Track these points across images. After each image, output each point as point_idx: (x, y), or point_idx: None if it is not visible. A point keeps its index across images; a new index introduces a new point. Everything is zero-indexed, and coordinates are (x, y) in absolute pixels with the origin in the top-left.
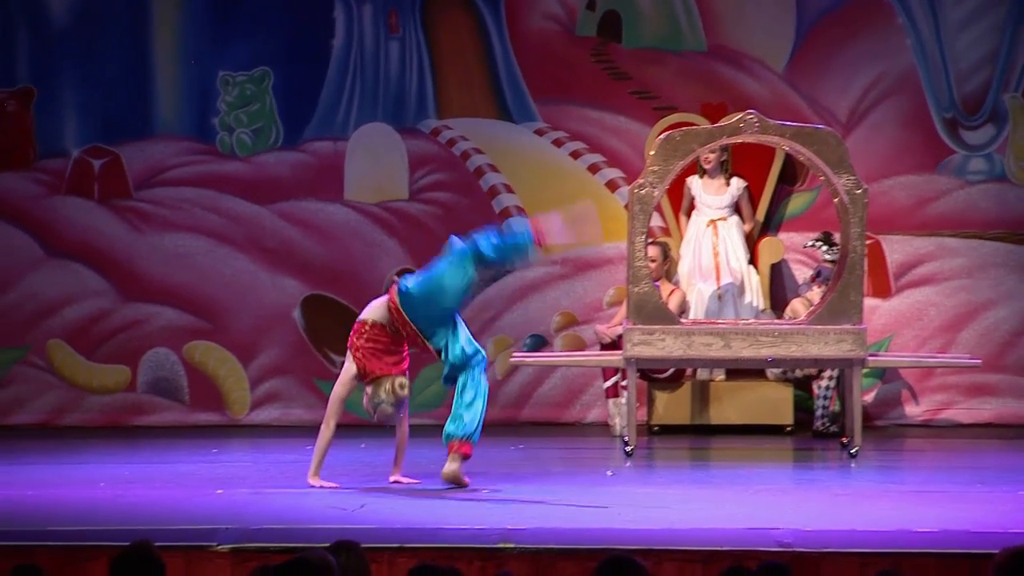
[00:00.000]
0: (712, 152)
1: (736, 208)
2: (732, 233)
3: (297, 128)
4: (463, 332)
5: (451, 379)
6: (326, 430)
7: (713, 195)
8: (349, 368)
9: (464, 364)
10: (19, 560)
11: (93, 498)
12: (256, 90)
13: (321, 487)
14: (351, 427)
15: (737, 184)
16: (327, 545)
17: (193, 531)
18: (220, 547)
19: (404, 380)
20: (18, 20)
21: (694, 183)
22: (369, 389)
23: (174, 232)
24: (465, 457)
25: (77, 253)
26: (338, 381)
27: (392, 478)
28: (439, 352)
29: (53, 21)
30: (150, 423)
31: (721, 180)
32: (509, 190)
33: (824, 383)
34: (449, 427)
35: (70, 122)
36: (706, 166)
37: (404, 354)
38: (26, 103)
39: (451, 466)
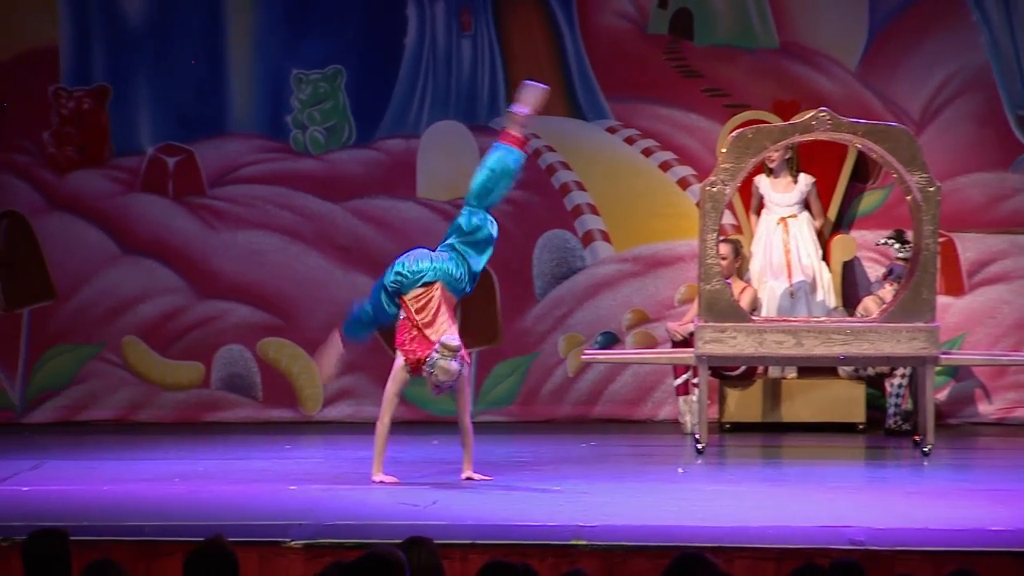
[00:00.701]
0: (777, 151)
1: (805, 205)
2: (803, 230)
3: (370, 126)
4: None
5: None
6: (381, 427)
7: (781, 193)
8: (397, 362)
9: None
10: (95, 555)
11: (167, 494)
12: (329, 88)
13: (382, 482)
14: (423, 424)
15: (805, 181)
16: (399, 541)
17: (266, 527)
18: (293, 543)
19: (448, 346)
20: (94, 20)
21: (762, 182)
22: (427, 372)
23: (247, 229)
24: None
25: (151, 250)
26: (390, 378)
27: (464, 475)
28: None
29: (128, 20)
30: (223, 419)
31: (788, 178)
32: (581, 188)
33: (897, 381)
34: None
35: (145, 120)
36: (771, 165)
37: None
38: (102, 101)
39: None
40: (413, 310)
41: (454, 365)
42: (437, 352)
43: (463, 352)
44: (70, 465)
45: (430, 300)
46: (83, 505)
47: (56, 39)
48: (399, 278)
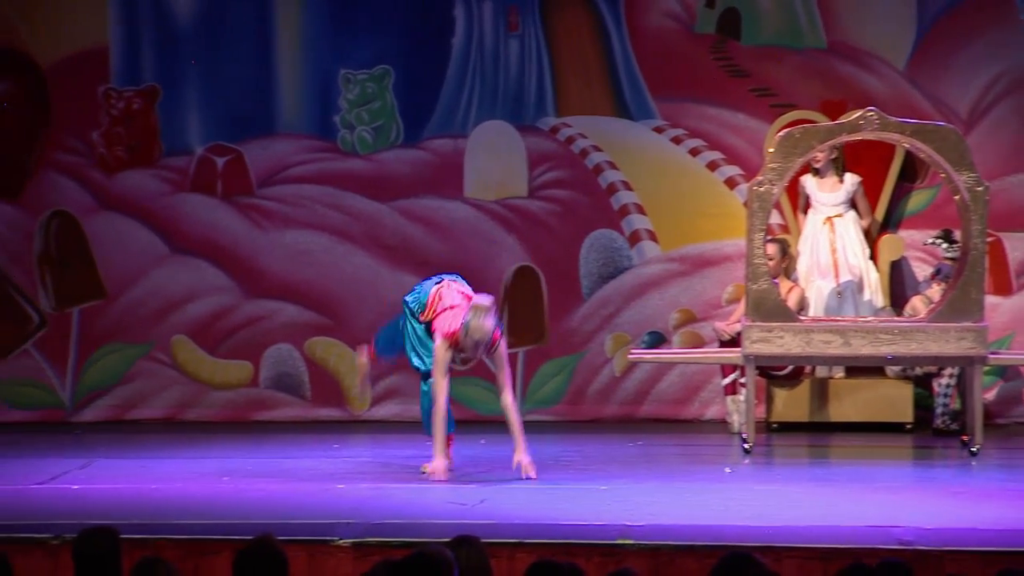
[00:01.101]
0: (821, 151)
1: (852, 204)
2: (849, 230)
3: (417, 126)
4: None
5: None
6: (438, 411)
7: (828, 193)
8: (437, 343)
9: None
10: (144, 554)
11: (216, 492)
12: (377, 88)
13: (432, 473)
14: (470, 423)
15: (851, 180)
16: (447, 540)
17: (315, 526)
18: (341, 541)
19: (479, 306)
20: (144, 20)
21: (808, 182)
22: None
23: (295, 229)
24: None
25: (200, 250)
26: (433, 365)
27: (516, 459)
28: None
29: (178, 21)
30: (272, 418)
31: (834, 178)
32: (628, 187)
33: (944, 381)
34: None
35: (194, 120)
36: (816, 165)
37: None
38: (151, 102)
39: None
40: (436, 306)
41: (489, 322)
42: (470, 313)
43: (495, 312)
44: (119, 464)
45: (443, 292)
46: (132, 503)
47: (106, 40)
48: (413, 306)
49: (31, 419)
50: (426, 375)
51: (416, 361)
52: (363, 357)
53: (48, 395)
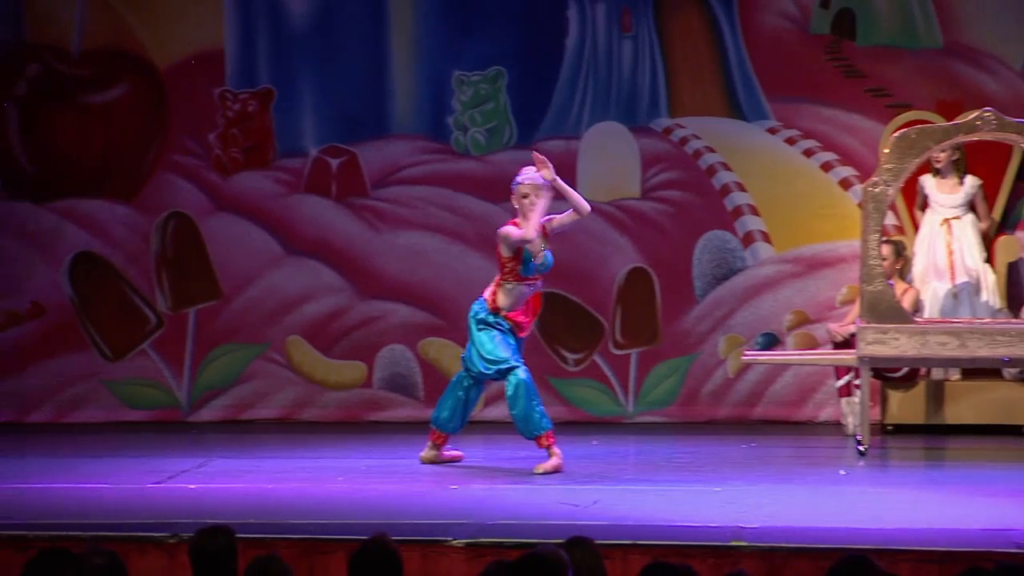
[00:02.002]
0: (943, 151)
1: (971, 206)
2: (967, 232)
3: (530, 127)
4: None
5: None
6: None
7: (946, 194)
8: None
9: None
10: (260, 553)
11: (331, 492)
12: (490, 89)
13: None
14: (582, 424)
15: (971, 183)
16: (561, 541)
17: (428, 526)
18: (455, 542)
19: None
20: (259, 23)
21: (927, 182)
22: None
23: (409, 230)
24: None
25: (315, 251)
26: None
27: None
28: None
29: (293, 24)
30: (385, 419)
31: (954, 179)
32: (741, 188)
33: None
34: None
35: (308, 122)
36: (937, 165)
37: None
38: (266, 104)
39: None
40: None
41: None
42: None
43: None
44: (235, 463)
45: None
46: (248, 503)
47: (222, 42)
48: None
49: (148, 419)
50: (506, 371)
51: (491, 369)
52: (429, 452)
53: (165, 395)
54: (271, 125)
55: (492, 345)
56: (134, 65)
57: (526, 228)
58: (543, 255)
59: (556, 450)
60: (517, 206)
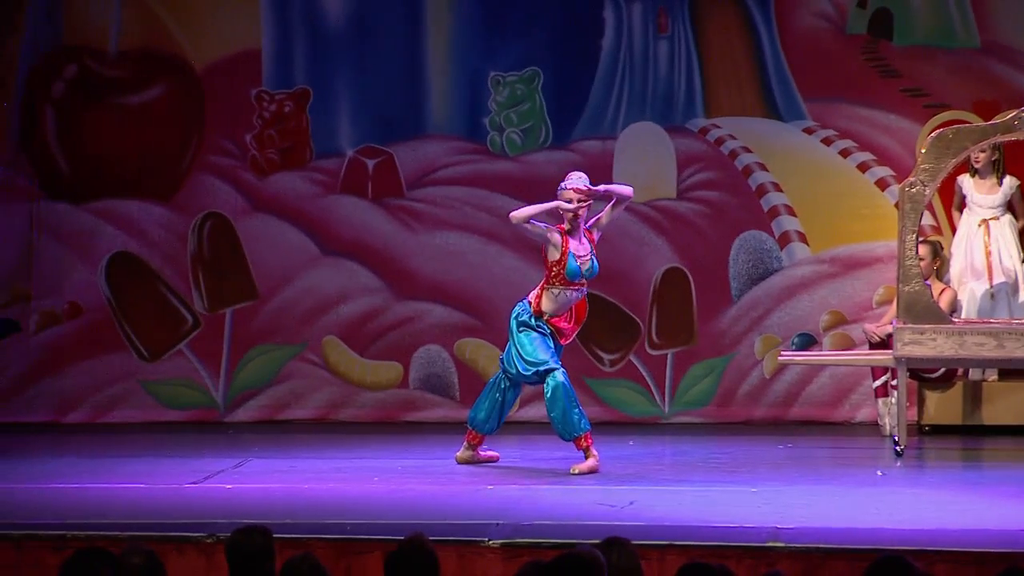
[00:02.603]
0: (983, 151)
1: (1009, 206)
2: (1005, 232)
3: (566, 127)
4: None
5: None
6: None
7: (985, 195)
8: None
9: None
10: (296, 552)
11: (367, 492)
12: (526, 90)
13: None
14: (619, 424)
15: (1010, 183)
16: (597, 542)
17: (465, 526)
18: (491, 542)
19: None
20: (296, 24)
21: (965, 182)
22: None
23: (445, 231)
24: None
25: (351, 251)
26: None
27: None
28: None
29: (329, 24)
30: (421, 419)
31: (993, 180)
32: (778, 189)
33: None
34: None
35: (344, 122)
36: (976, 165)
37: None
38: (302, 104)
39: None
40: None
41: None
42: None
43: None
44: (272, 463)
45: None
46: (285, 503)
47: (259, 43)
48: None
49: (185, 419)
50: (544, 374)
51: (530, 371)
52: (464, 452)
53: (202, 395)
54: (307, 126)
55: (532, 347)
56: (171, 66)
57: (518, 211)
58: (589, 260)
59: (594, 451)
60: (562, 210)
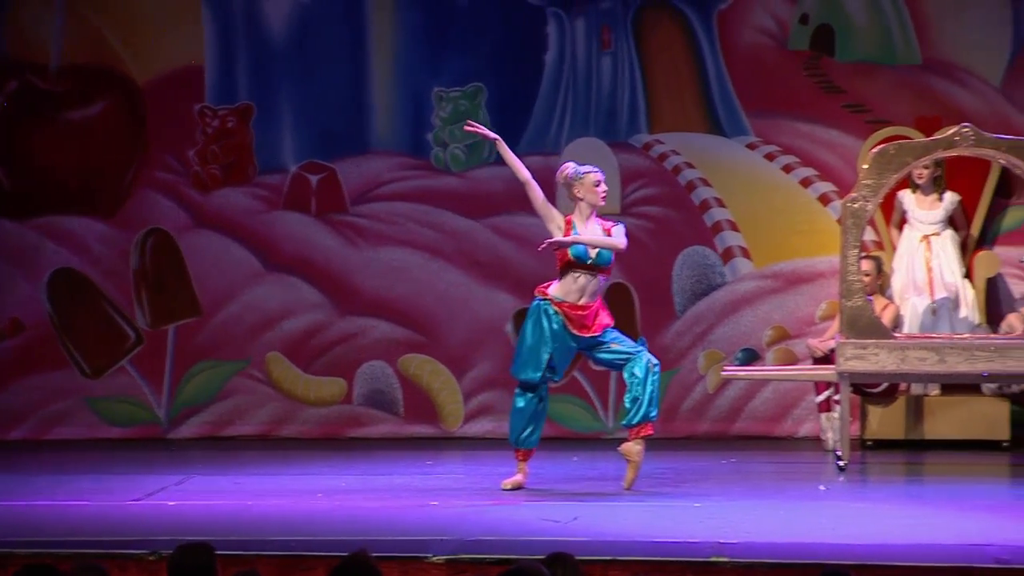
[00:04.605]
0: (926, 168)
1: (950, 222)
2: (946, 247)
3: (510, 143)
4: None
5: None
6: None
7: (926, 210)
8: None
9: None
10: (239, 569)
11: (311, 509)
12: (470, 105)
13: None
14: (563, 440)
15: (951, 199)
16: (541, 557)
17: (409, 542)
18: (435, 558)
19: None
20: (239, 40)
21: (906, 197)
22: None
23: (389, 246)
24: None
25: (294, 267)
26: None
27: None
28: None
29: (272, 40)
30: (365, 435)
31: (934, 196)
32: (721, 204)
33: None
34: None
35: (288, 138)
36: (919, 181)
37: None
38: (246, 120)
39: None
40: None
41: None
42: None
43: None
44: (215, 480)
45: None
46: (228, 520)
47: (202, 58)
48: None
49: (128, 435)
50: (530, 385)
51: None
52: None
53: (144, 412)
54: (250, 141)
55: (525, 346)
56: (113, 81)
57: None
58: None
59: (524, 468)
60: (581, 196)
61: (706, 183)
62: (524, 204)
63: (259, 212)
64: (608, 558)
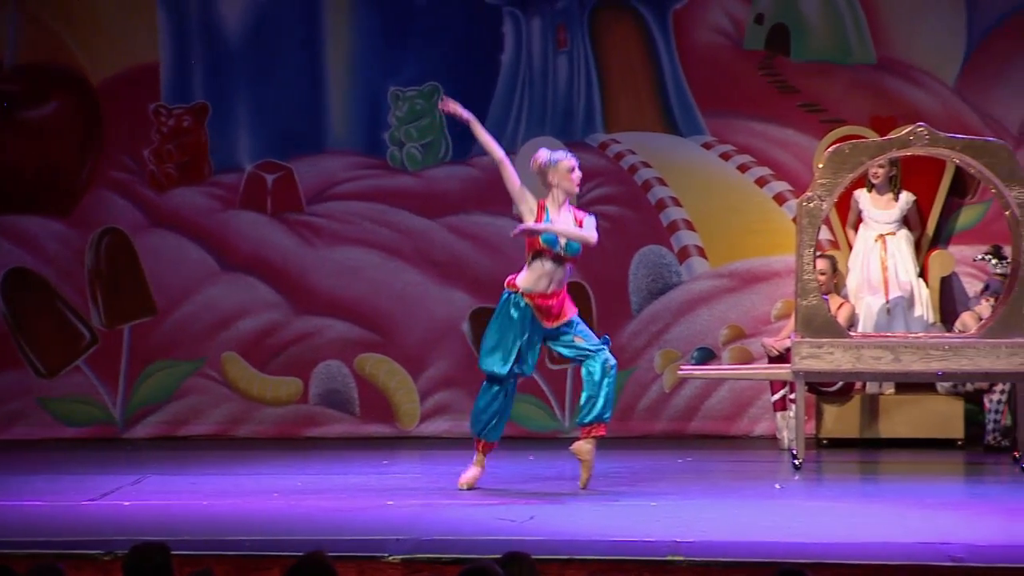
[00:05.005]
0: (881, 167)
1: (905, 221)
2: (901, 247)
3: (466, 142)
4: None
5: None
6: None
7: (882, 210)
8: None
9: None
10: (195, 569)
11: (267, 509)
12: (426, 105)
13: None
14: (519, 439)
15: (906, 198)
16: (498, 556)
17: (365, 542)
18: (391, 558)
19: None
20: (194, 39)
21: (862, 197)
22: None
23: (345, 246)
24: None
25: (250, 266)
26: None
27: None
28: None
29: (227, 39)
30: (321, 435)
31: (890, 195)
32: (677, 203)
33: (995, 397)
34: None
35: (243, 137)
36: (875, 181)
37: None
38: (201, 119)
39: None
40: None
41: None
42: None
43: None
44: (170, 480)
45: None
46: (183, 520)
47: (157, 57)
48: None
49: (83, 435)
50: (497, 379)
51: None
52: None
53: (99, 412)
54: (206, 140)
55: (491, 342)
56: (68, 80)
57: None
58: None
59: (483, 460)
60: (555, 183)
61: (662, 182)
62: (480, 203)
63: (215, 211)
64: (565, 557)
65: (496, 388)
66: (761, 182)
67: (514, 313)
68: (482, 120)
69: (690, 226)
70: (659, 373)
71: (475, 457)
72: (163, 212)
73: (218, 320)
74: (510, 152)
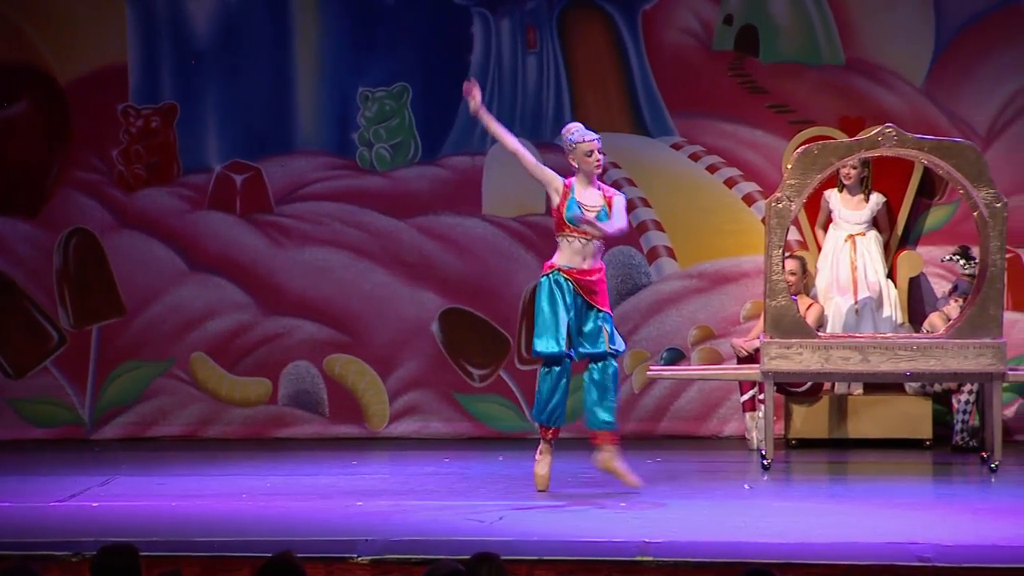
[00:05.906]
0: (853, 168)
1: (874, 222)
2: (871, 247)
3: (435, 143)
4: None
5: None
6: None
7: (852, 210)
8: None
9: None
10: (163, 569)
11: (236, 510)
12: (395, 105)
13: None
14: (488, 440)
15: (876, 199)
16: (467, 557)
17: (333, 543)
18: (360, 559)
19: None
20: (163, 39)
21: (832, 197)
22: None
23: (314, 246)
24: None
25: (219, 267)
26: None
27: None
28: None
29: (196, 39)
30: (290, 435)
31: (860, 196)
32: (646, 204)
33: (963, 397)
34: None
35: (212, 138)
36: (846, 181)
37: None
38: (170, 119)
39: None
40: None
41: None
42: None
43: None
44: (139, 481)
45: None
46: (152, 521)
47: (125, 57)
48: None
49: (51, 436)
50: (553, 359)
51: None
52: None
53: (67, 412)
54: (174, 141)
55: (539, 327)
56: (35, 80)
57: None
58: (598, 212)
59: (548, 449)
60: (576, 164)
61: (631, 183)
62: (449, 204)
63: (183, 212)
64: (533, 558)
65: (556, 369)
66: (730, 183)
67: (557, 292)
68: (451, 121)
69: (659, 227)
70: (628, 374)
71: (541, 447)
72: (131, 213)
73: (187, 321)
74: (480, 153)
